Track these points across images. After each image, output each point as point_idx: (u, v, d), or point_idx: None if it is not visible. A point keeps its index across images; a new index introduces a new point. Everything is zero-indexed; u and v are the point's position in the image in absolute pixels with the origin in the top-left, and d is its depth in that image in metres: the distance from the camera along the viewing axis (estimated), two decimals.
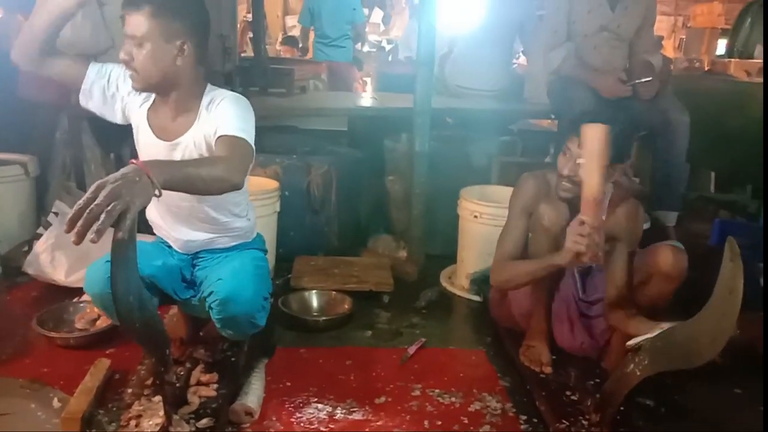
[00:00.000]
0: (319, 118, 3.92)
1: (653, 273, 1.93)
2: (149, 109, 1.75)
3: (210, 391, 1.76)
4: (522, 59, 4.81)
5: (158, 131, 1.74)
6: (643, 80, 2.81)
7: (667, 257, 1.89)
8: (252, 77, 3.82)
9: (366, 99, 4.01)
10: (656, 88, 2.82)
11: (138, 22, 1.55)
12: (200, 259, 1.91)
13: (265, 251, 2.02)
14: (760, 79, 3.80)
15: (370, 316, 2.45)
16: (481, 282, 2.60)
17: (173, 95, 1.69)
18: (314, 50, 5.77)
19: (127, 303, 1.31)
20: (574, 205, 1.91)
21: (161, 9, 1.55)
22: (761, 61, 6.13)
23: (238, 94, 1.75)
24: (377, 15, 9.38)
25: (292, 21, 8.64)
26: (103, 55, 2.98)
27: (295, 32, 7.18)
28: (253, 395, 1.79)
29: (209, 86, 1.75)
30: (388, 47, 7.84)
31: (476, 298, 2.64)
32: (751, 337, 2.34)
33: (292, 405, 1.83)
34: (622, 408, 1.71)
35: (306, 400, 1.86)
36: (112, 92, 1.77)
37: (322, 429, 1.73)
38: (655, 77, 2.83)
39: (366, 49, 8.53)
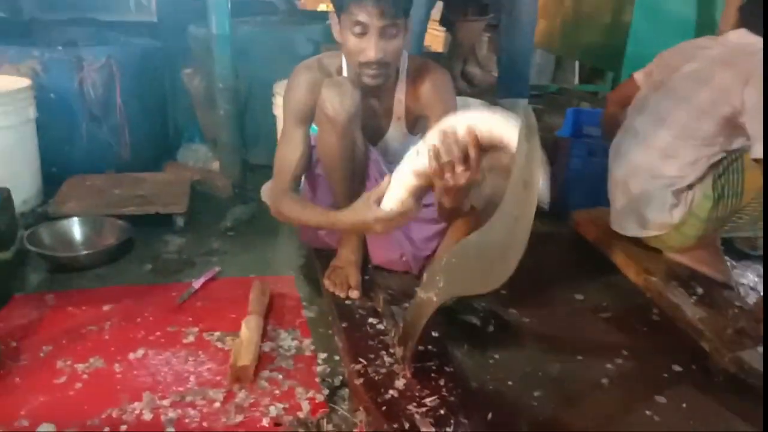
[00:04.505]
0: (127, 11, 3.23)
1: (493, 167, 1.60)
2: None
3: None
4: None
5: None
6: None
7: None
8: None
9: None
10: None
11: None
12: None
13: None
14: None
15: (157, 246, 1.98)
16: None
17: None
18: None
19: None
20: (370, 90, 1.50)
21: None
22: None
23: None
24: None
25: None
26: None
27: None
28: None
29: None
30: None
31: None
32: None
33: (6, 371, 1.35)
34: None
35: (31, 365, 1.38)
36: None
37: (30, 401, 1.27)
38: None
39: None
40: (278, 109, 2.27)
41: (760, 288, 1.89)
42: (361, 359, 1.35)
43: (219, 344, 1.49)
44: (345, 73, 1.55)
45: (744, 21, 1.69)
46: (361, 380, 1.28)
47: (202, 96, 2.46)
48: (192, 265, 1.88)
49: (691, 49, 1.80)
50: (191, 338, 1.51)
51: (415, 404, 1.23)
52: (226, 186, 2.36)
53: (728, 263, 1.94)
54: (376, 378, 1.29)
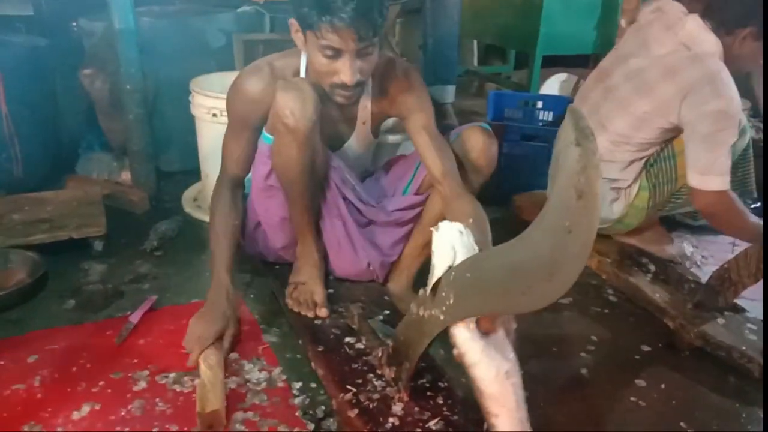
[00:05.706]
0: None
1: (460, 163, 1.52)
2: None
3: None
4: None
5: None
6: None
7: (477, 143, 1.46)
8: None
9: None
10: None
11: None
12: None
13: None
14: None
15: (76, 276, 1.71)
16: None
17: None
18: None
19: None
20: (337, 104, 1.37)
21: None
22: None
23: None
24: None
25: None
26: None
27: None
28: None
29: None
30: None
31: None
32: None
33: None
34: None
35: None
36: None
37: None
38: None
39: None
40: (197, 110, 2.05)
41: (698, 258, 1.97)
42: (349, 387, 1.23)
43: (177, 387, 1.30)
44: (303, 74, 1.39)
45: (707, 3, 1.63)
46: (356, 411, 1.16)
47: (107, 99, 2.17)
48: (121, 296, 1.65)
49: (644, 36, 1.74)
50: (143, 384, 1.30)
51: (420, 430, 1.13)
52: (143, 199, 2.11)
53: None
54: (371, 406, 1.18)
